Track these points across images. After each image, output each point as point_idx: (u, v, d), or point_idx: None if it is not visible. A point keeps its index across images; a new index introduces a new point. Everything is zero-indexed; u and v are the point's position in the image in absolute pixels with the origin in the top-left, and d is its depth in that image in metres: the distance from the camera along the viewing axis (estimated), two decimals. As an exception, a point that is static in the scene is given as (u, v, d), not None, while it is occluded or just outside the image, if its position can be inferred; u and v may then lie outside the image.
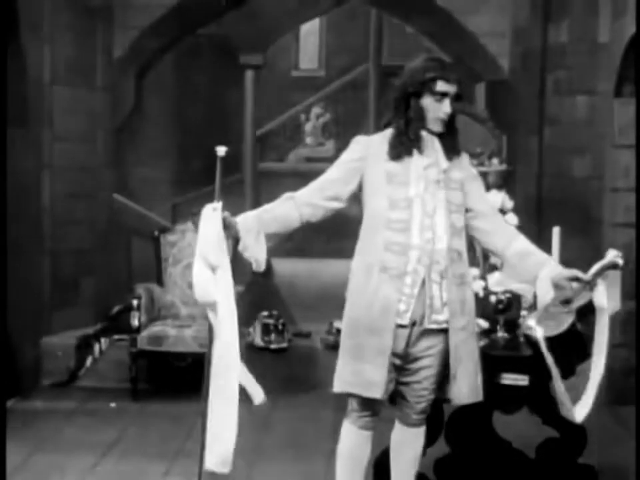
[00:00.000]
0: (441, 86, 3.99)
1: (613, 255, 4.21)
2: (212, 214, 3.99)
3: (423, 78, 4.00)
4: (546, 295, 4.13)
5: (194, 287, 4.05)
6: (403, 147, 4.03)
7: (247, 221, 4.08)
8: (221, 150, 4.05)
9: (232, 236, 4.04)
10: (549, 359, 4.20)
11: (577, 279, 4.11)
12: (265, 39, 15.81)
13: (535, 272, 4.11)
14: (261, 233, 4.06)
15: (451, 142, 4.08)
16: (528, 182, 8.32)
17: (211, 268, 3.99)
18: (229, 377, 4.04)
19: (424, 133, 4.05)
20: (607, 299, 4.19)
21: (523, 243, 4.18)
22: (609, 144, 7.12)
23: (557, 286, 4.11)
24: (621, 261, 4.20)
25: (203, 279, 4.00)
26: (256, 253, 4.06)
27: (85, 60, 8.20)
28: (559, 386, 4.26)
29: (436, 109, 4.01)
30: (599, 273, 4.18)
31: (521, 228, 5.25)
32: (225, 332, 4.02)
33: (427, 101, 4.02)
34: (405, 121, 4.04)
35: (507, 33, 8.84)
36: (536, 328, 4.21)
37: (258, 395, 4.19)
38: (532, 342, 4.30)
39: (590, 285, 4.16)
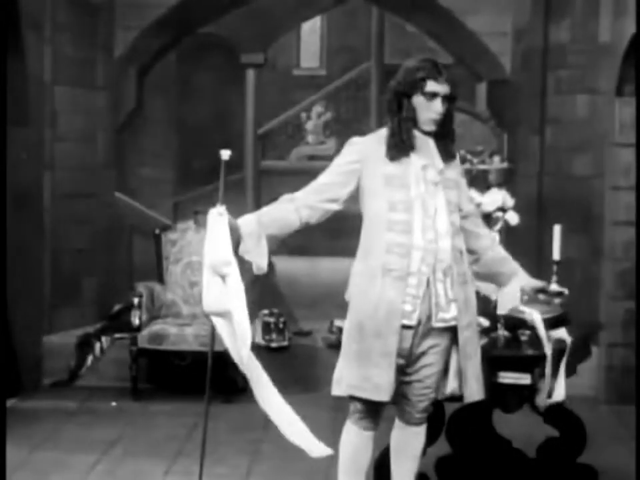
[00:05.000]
0: (431, 86, 3.99)
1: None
2: (218, 219, 3.94)
3: (413, 78, 4.00)
4: (512, 300, 4.38)
5: (204, 297, 3.96)
6: (398, 148, 4.03)
7: (248, 223, 4.04)
8: (225, 154, 3.99)
9: (234, 239, 3.98)
10: (545, 340, 4.29)
11: (543, 291, 4.40)
12: (266, 37, 15.85)
13: (507, 277, 4.31)
14: (262, 236, 4.03)
15: (446, 144, 4.08)
16: (529, 180, 8.32)
17: (221, 276, 3.93)
18: (260, 373, 4.18)
19: (418, 134, 4.05)
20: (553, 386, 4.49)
21: (501, 249, 4.38)
22: (610, 142, 7.12)
23: (522, 292, 4.38)
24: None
25: (215, 288, 3.93)
26: (257, 257, 4.03)
27: (86, 59, 8.20)
28: (548, 373, 4.34)
29: (427, 109, 4.00)
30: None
31: (522, 226, 5.27)
32: (243, 335, 3.96)
33: (419, 101, 4.01)
34: (398, 121, 4.05)
35: (508, 32, 8.84)
36: (531, 311, 4.46)
37: (318, 448, 4.22)
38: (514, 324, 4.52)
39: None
